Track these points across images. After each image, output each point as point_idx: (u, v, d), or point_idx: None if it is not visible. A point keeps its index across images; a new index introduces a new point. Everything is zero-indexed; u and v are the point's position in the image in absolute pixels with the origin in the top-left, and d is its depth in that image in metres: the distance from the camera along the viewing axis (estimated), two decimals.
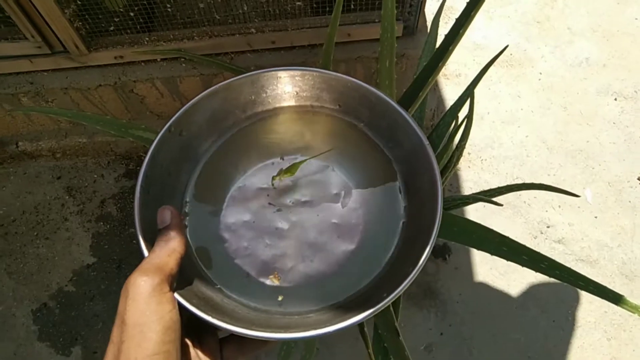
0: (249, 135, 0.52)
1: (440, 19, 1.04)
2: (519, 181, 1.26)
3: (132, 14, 1.00)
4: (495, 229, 1.07)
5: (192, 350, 0.37)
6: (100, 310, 1.16)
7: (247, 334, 0.37)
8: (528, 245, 1.18)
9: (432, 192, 0.45)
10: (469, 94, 0.94)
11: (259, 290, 0.46)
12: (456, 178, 1.27)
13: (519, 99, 1.38)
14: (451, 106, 0.95)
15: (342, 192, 0.50)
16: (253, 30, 1.07)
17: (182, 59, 1.12)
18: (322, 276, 0.47)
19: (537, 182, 1.26)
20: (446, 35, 0.79)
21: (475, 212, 1.23)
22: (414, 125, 0.49)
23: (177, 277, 0.37)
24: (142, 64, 1.12)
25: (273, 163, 0.51)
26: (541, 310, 1.12)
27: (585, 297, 1.12)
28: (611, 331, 1.10)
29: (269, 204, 0.49)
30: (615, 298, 0.73)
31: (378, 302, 0.39)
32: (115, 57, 1.09)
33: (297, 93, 0.51)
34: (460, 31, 0.67)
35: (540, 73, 1.42)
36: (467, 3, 0.65)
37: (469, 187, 1.26)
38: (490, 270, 1.16)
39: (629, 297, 1.14)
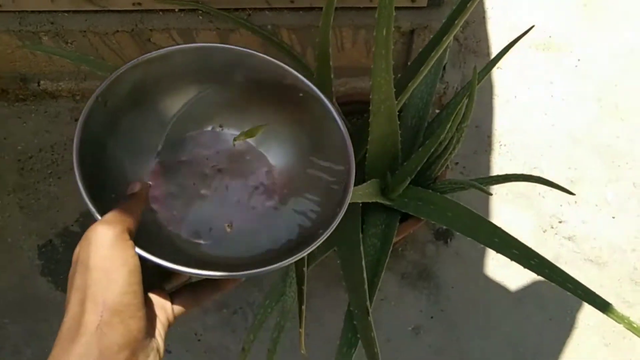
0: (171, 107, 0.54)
1: None
2: (537, 171, 1.20)
3: None
4: (504, 219, 1.05)
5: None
6: None
7: (201, 274, 0.40)
8: (535, 238, 1.14)
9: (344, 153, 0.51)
10: (485, 73, 0.89)
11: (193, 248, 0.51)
12: (471, 160, 1.23)
13: (551, 85, 1.30)
14: (464, 85, 0.91)
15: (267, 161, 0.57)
16: None
17: (200, 11, 1.10)
18: (257, 230, 0.53)
19: (557, 175, 1.20)
20: (457, 6, 0.74)
21: (485, 199, 1.19)
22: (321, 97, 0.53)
23: (134, 233, 0.39)
24: (160, 13, 1.11)
25: (211, 128, 0.57)
26: (539, 306, 1.09)
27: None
28: (610, 337, 1.06)
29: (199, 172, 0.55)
30: (602, 305, 0.70)
31: (315, 239, 0.45)
32: (134, 4, 1.08)
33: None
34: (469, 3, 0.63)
35: (579, 60, 1.33)
36: None
37: (482, 172, 1.21)
38: (492, 260, 1.13)
39: (634, 304, 1.09)
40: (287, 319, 0.81)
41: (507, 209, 1.17)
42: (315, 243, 0.44)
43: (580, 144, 1.23)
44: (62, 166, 1.28)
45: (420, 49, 0.80)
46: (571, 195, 1.18)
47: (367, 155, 0.81)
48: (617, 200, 1.16)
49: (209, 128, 0.57)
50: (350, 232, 0.79)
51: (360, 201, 0.72)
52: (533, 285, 1.10)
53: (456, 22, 0.64)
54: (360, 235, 0.77)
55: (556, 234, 1.14)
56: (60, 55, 0.86)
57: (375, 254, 0.83)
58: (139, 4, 1.08)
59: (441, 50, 0.68)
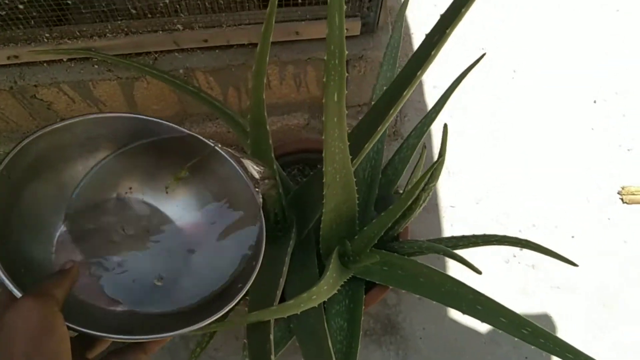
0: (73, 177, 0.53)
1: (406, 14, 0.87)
2: (487, 195, 1.13)
3: (21, 5, 0.79)
4: (462, 252, 0.93)
5: None
6: None
7: (123, 339, 0.42)
8: (499, 271, 1.06)
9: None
10: (439, 109, 0.79)
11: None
12: None
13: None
14: (416, 125, 0.80)
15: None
16: (179, 26, 0.88)
17: (94, 60, 0.92)
18: (186, 275, 0.56)
19: (510, 198, 1.13)
20: (427, 35, 0.62)
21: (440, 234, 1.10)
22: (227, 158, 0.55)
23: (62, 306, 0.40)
24: (45, 64, 0.92)
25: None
26: (513, 345, 1.01)
27: (561, 331, 1.01)
28: None
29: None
30: None
31: (236, 294, 0.48)
32: (9, 57, 0.89)
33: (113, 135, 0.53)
34: (447, 31, 0.51)
35: (514, 71, 1.28)
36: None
37: (432, 201, 1.12)
38: None
39: (606, 328, 1.04)
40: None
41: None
42: (233, 302, 0.47)
43: (533, 165, 1.17)
44: None
45: (359, 82, 0.68)
46: (530, 219, 1.13)
47: (321, 225, 0.68)
48: (574, 219, 1.12)
49: (114, 195, 0.57)
50: (314, 323, 0.65)
51: (317, 304, 0.59)
52: None
53: (417, 74, 0.52)
54: (326, 326, 0.64)
55: (519, 262, 1.07)
56: None
57: (344, 339, 0.70)
58: (16, 56, 0.88)
59: (400, 106, 0.56)
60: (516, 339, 0.63)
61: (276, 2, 0.51)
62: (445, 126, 0.55)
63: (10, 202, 0.46)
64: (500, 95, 1.25)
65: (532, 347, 1.00)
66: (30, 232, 0.49)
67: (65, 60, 0.91)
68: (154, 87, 0.96)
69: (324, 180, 0.58)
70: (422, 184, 0.60)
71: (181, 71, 0.93)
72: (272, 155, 0.65)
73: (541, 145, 1.19)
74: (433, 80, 1.27)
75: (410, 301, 1.04)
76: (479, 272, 0.57)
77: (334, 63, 0.47)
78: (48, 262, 0.49)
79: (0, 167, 0.43)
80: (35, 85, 0.92)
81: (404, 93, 0.54)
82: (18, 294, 0.39)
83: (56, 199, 0.52)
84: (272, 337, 0.49)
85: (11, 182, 0.45)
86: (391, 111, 0.55)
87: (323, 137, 0.52)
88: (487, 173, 1.16)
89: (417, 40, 1.33)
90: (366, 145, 0.58)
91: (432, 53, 0.52)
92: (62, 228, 0.52)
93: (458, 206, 1.13)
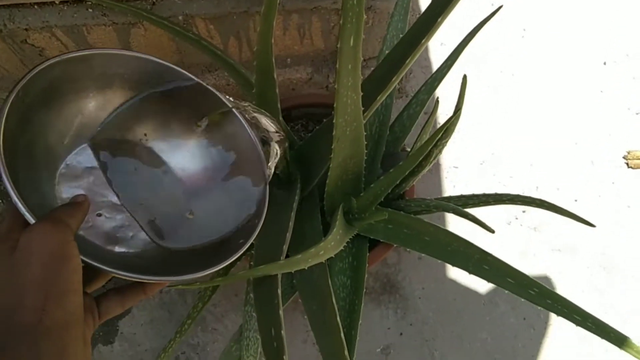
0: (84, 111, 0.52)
1: None
2: (495, 158, 1.11)
3: None
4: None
5: None
6: None
7: (128, 276, 0.42)
8: (500, 233, 1.05)
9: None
10: (450, 64, 0.76)
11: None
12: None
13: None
14: (427, 80, 0.77)
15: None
16: None
17: (88, 3, 0.87)
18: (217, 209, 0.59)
19: (514, 159, 1.11)
20: None
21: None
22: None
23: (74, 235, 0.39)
24: (35, 7, 0.87)
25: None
26: (511, 306, 1.01)
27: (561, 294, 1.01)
28: (584, 331, 1.00)
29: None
30: (618, 339, 0.60)
31: (237, 249, 0.49)
32: None
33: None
34: None
35: (524, 29, 1.24)
36: None
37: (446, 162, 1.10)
38: None
39: (606, 290, 1.04)
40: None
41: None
42: (234, 255, 0.49)
43: (537, 124, 1.15)
44: None
45: (367, 33, 0.65)
46: (532, 182, 1.11)
47: (327, 180, 0.66)
48: (578, 182, 1.10)
49: (130, 138, 0.57)
50: (318, 279, 0.64)
51: (325, 259, 0.57)
52: None
53: (438, 20, 0.49)
54: (330, 285, 0.63)
55: (521, 225, 1.06)
56: None
57: (347, 297, 0.69)
58: None
59: (418, 54, 0.53)
60: (518, 299, 0.63)
61: None
62: (465, 77, 0.52)
63: (22, 127, 0.45)
64: (509, 53, 1.21)
65: (530, 307, 1.01)
66: (35, 161, 0.48)
67: (57, 2, 0.86)
68: (152, 35, 0.91)
69: (333, 133, 0.55)
70: (436, 140, 0.57)
71: (180, 18, 0.88)
72: (279, 106, 0.62)
73: (548, 106, 1.17)
74: (440, 38, 1.22)
75: (411, 260, 1.04)
76: (492, 231, 0.55)
77: (352, 3, 0.44)
78: (51, 195, 0.49)
79: (17, 88, 0.42)
80: (26, 29, 0.87)
81: (422, 41, 0.51)
82: (32, 219, 0.38)
83: (62, 131, 0.51)
84: (279, 291, 0.47)
85: (25, 105, 0.44)
86: (407, 61, 0.53)
87: (335, 86, 0.49)
88: (492, 133, 1.13)
89: None
90: (379, 97, 0.55)
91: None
92: (68, 161, 0.52)
93: (461, 167, 1.11)
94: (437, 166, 1.11)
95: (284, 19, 0.92)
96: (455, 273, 1.02)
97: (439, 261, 1.02)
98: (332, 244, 0.55)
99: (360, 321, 0.65)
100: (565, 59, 1.21)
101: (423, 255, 1.04)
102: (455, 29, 1.13)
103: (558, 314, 0.61)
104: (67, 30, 0.88)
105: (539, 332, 1.00)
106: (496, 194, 0.65)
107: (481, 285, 1.02)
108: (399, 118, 0.78)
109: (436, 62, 1.19)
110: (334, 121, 0.53)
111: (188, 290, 1.01)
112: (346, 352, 0.57)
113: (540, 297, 0.62)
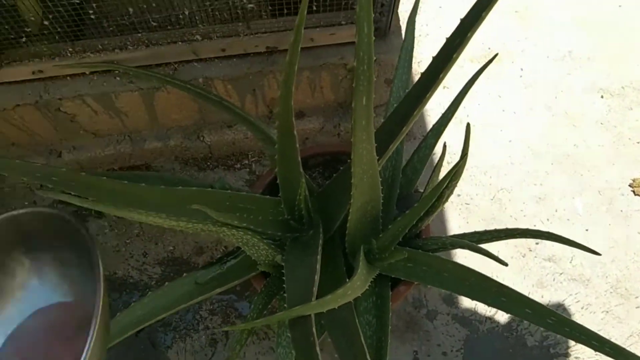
0: None
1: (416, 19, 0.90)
2: (504, 193, 1.15)
3: (46, 22, 0.82)
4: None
5: None
6: None
7: None
8: (516, 265, 1.08)
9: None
10: (454, 109, 0.82)
11: None
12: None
13: (500, 99, 1.26)
14: (434, 125, 0.82)
15: None
16: (198, 37, 0.91)
17: (116, 72, 0.94)
18: None
19: (525, 193, 1.15)
20: (448, 39, 0.65)
21: (457, 230, 1.12)
22: None
23: None
24: (68, 78, 0.95)
25: None
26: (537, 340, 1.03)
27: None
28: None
29: None
30: None
31: None
32: (34, 72, 0.91)
33: None
34: (468, 35, 0.54)
35: (522, 69, 1.30)
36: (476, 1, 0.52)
37: (450, 205, 1.14)
38: None
39: (624, 318, 1.06)
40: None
41: None
42: None
43: (540, 157, 1.19)
44: None
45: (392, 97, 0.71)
46: (543, 213, 1.15)
47: (347, 224, 0.70)
48: (587, 211, 1.14)
49: None
50: (345, 317, 0.67)
51: (352, 298, 0.61)
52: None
53: (440, 76, 0.54)
54: (357, 321, 0.66)
55: (535, 256, 1.09)
56: None
57: (373, 334, 0.72)
58: (41, 71, 0.91)
59: (424, 105, 0.58)
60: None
61: (305, 13, 0.53)
62: (468, 126, 0.57)
63: None
64: (504, 92, 1.27)
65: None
66: None
67: (88, 73, 0.94)
68: (174, 97, 0.99)
69: (352, 181, 0.60)
70: (446, 183, 0.62)
71: (200, 80, 0.95)
72: (299, 159, 0.67)
73: (551, 138, 1.21)
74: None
75: (433, 297, 1.06)
76: (505, 264, 0.59)
77: (363, 69, 0.50)
78: None
79: None
80: (59, 99, 0.94)
81: (427, 95, 0.57)
82: None
83: None
84: (314, 330, 0.51)
85: None
86: (415, 112, 0.58)
87: (352, 140, 0.55)
88: (499, 169, 1.18)
89: (425, 42, 1.36)
90: (391, 146, 0.60)
91: (454, 56, 0.54)
92: None
93: (472, 204, 1.15)
94: (449, 204, 1.15)
95: (296, 76, 0.98)
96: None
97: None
98: (358, 284, 0.59)
99: (387, 357, 0.68)
100: (564, 94, 1.27)
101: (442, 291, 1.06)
102: (457, 67, 1.19)
103: (577, 340, 0.63)
104: (97, 97, 0.95)
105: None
106: (507, 229, 0.68)
107: (501, 317, 1.04)
108: (410, 161, 0.83)
109: (439, 103, 1.25)
110: (351, 170, 0.58)
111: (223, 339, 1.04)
112: None
113: (558, 325, 0.65)
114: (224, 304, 1.07)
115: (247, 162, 1.20)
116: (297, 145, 0.64)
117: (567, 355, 1.02)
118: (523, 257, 1.09)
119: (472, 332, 1.04)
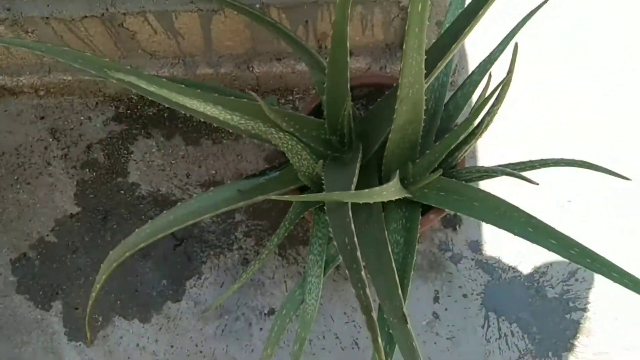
0: None
1: None
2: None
3: None
4: (513, 200, 0.97)
5: None
6: (84, 264, 1.08)
7: None
8: (555, 216, 1.10)
9: None
10: (502, 48, 0.83)
11: None
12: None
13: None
14: (481, 62, 0.84)
15: None
16: None
17: None
18: None
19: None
20: None
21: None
22: None
23: None
24: None
25: None
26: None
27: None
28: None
29: None
30: None
31: None
32: None
33: None
34: None
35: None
36: None
37: (489, 152, 1.16)
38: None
39: None
40: (308, 330, 0.74)
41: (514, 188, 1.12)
42: None
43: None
44: (30, 170, 1.16)
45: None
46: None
47: (387, 145, 0.74)
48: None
49: None
50: (375, 231, 0.71)
51: (385, 200, 0.65)
52: (549, 269, 1.07)
53: None
54: (387, 235, 0.70)
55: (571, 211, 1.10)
56: (19, 45, 0.75)
57: (400, 252, 0.76)
58: None
59: (476, 24, 0.60)
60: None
61: None
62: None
63: None
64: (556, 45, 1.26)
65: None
66: None
67: None
68: (230, 22, 1.02)
69: (397, 93, 0.63)
70: (488, 104, 0.64)
71: (257, 6, 0.99)
72: (348, 73, 0.71)
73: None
74: (485, 28, 1.28)
75: (458, 242, 1.09)
76: (536, 183, 0.61)
77: None
78: None
79: None
80: (123, 13, 1.00)
81: (480, 12, 0.59)
82: None
83: None
84: (350, 213, 0.55)
85: None
86: (466, 30, 0.60)
87: (403, 47, 0.57)
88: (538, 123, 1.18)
89: None
90: (441, 62, 0.63)
91: None
92: None
93: (506, 155, 1.16)
94: (482, 152, 1.17)
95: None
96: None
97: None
98: (393, 190, 0.63)
99: (412, 272, 0.72)
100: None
101: (468, 237, 1.09)
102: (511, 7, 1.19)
103: (597, 271, 0.66)
104: (159, 15, 1.00)
105: (578, 314, 1.03)
106: (541, 159, 0.71)
107: (525, 268, 1.06)
108: (453, 97, 0.85)
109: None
110: (399, 81, 0.61)
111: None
112: (399, 291, 0.64)
113: (581, 256, 0.67)
114: (260, 228, 1.13)
115: (291, 97, 1.24)
116: (348, 59, 0.68)
117: (585, 309, 1.04)
118: (561, 208, 1.10)
119: (494, 278, 1.07)
